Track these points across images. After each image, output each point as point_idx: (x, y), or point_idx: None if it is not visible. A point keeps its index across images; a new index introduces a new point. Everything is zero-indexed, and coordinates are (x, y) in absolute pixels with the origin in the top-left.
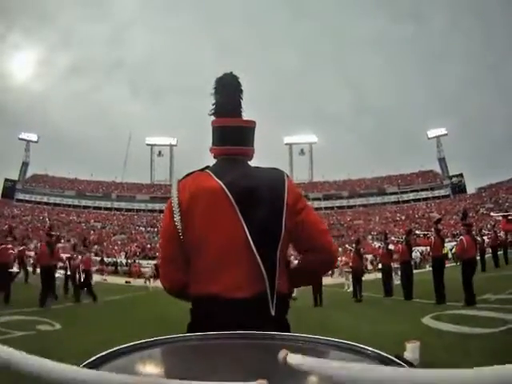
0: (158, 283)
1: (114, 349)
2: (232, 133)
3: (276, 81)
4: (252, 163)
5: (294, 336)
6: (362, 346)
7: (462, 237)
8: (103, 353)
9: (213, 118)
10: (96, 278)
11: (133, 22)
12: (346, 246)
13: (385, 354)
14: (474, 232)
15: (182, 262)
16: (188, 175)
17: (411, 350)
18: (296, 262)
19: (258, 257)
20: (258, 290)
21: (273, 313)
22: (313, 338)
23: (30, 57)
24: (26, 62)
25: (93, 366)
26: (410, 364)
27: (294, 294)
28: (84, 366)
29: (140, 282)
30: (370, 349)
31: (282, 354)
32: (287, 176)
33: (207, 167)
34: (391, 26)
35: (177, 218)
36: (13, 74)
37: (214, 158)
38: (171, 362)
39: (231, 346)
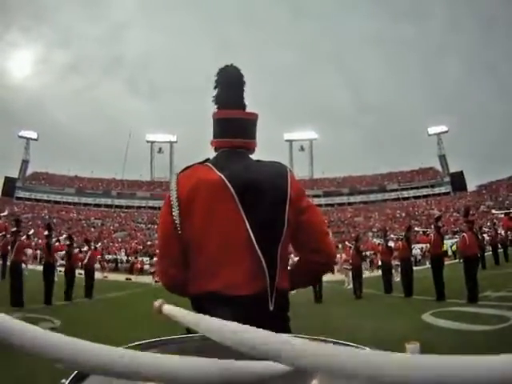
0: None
1: None
2: (233, 125)
3: (276, 78)
4: (252, 158)
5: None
6: (361, 346)
7: (464, 234)
8: None
9: (213, 110)
10: (97, 275)
11: (131, 19)
12: (346, 242)
13: None
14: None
15: (179, 258)
16: (187, 168)
17: (411, 352)
18: (296, 259)
19: (259, 253)
20: (260, 287)
21: (271, 309)
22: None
23: (29, 55)
24: (25, 59)
25: None
26: None
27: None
28: None
29: (141, 278)
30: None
31: (157, 303)
32: (290, 170)
33: (207, 160)
34: (391, 25)
35: (175, 212)
36: (12, 71)
37: (215, 150)
38: None
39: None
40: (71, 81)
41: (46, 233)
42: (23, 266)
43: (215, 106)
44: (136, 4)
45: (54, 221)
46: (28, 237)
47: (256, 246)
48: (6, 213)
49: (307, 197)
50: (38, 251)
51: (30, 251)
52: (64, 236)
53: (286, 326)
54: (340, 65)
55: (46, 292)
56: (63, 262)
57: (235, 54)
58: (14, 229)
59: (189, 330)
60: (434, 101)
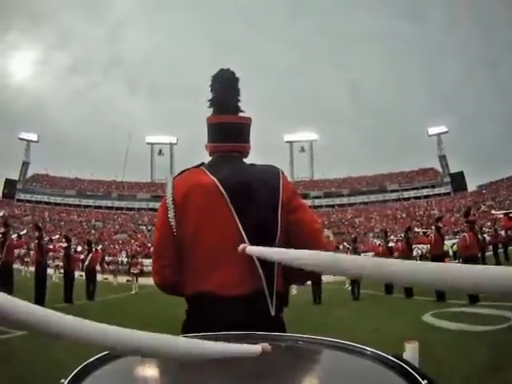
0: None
1: None
2: (226, 130)
3: (276, 79)
4: (253, 160)
5: (296, 337)
6: (361, 346)
7: (464, 233)
8: (105, 352)
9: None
10: (97, 276)
11: (130, 19)
12: (345, 244)
13: (383, 354)
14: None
15: (174, 259)
16: (183, 172)
17: (411, 350)
18: None
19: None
20: (253, 288)
21: (273, 312)
22: (315, 338)
23: (29, 56)
24: (25, 61)
25: (94, 365)
26: (409, 364)
27: (294, 291)
28: (85, 365)
29: (142, 280)
30: (369, 349)
31: (241, 246)
32: (282, 173)
33: (202, 164)
34: (390, 24)
35: (171, 214)
36: (12, 73)
37: (210, 155)
38: (172, 362)
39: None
40: (71, 82)
41: (36, 234)
42: (25, 268)
43: (211, 110)
44: (135, 5)
45: (55, 223)
46: (19, 236)
47: None
48: (0, 213)
49: (299, 197)
50: None
51: (31, 253)
52: (57, 236)
53: (281, 325)
54: (340, 65)
55: (37, 293)
56: (61, 264)
57: (235, 54)
58: (3, 230)
59: (187, 331)
60: (434, 101)
